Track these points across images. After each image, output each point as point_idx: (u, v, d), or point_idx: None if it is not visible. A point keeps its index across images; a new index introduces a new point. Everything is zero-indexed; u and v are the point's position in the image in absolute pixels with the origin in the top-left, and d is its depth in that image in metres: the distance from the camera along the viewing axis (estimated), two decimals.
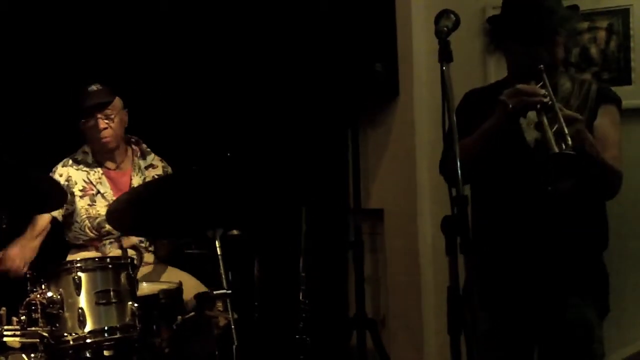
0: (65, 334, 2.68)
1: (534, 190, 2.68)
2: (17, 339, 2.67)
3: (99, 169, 3.54)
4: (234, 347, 2.78)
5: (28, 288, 2.75)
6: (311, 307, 3.55)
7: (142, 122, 3.70)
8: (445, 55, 2.16)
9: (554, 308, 2.70)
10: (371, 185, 4.04)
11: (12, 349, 2.68)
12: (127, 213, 2.93)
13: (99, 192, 3.50)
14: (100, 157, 3.57)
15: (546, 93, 2.53)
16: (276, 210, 3.50)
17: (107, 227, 3.41)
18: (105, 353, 2.75)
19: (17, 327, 2.70)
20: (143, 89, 3.83)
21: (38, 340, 2.66)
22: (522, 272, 2.72)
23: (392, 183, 3.97)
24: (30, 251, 3.37)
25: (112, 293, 2.77)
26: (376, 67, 3.77)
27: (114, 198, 3.38)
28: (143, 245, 3.49)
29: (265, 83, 3.89)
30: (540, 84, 2.57)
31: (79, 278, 2.74)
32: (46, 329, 2.67)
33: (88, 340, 2.70)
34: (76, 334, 2.69)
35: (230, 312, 2.85)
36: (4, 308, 2.75)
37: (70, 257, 3.41)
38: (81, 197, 3.48)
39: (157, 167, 3.64)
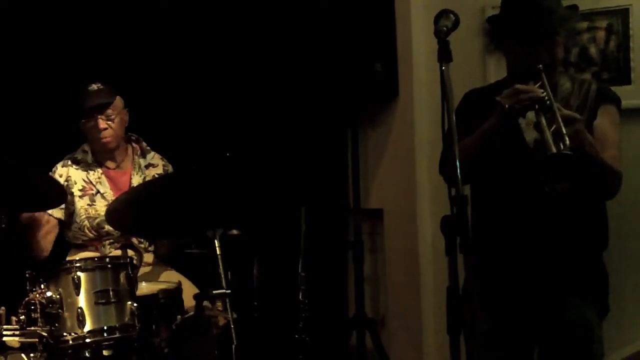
0: (65, 334, 2.68)
1: (533, 191, 2.68)
2: (17, 338, 2.67)
3: (99, 168, 3.53)
4: (234, 346, 2.78)
5: (27, 288, 2.75)
6: (311, 307, 3.55)
7: (142, 122, 3.69)
8: (444, 55, 2.16)
9: (554, 308, 2.70)
10: (371, 185, 4.04)
11: (12, 348, 2.68)
12: (127, 213, 2.93)
13: (98, 191, 3.49)
14: (100, 156, 3.56)
15: (544, 93, 2.53)
16: (276, 210, 3.50)
17: (107, 227, 3.40)
18: (105, 353, 2.75)
19: (17, 326, 2.70)
20: (143, 89, 3.82)
21: (37, 340, 2.66)
22: (521, 272, 2.72)
23: (391, 183, 3.97)
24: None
25: (111, 293, 2.77)
26: (376, 67, 3.77)
27: (114, 198, 3.37)
28: (142, 245, 3.49)
29: (265, 83, 3.89)
30: (539, 83, 2.57)
31: (78, 278, 2.74)
32: (45, 328, 2.67)
33: (87, 340, 2.69)
34: (75, 333, 2.69)
35: (229, 312, 2.85)
36: (3, 308, 2.74)
37: (69, 257, 3.40)
38: (80, 197, 3.47)
39: (158, 165, 3.63)
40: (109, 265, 2.83)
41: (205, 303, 2.92)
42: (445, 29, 2.21)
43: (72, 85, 3.57)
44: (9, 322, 2.73)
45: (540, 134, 2.51)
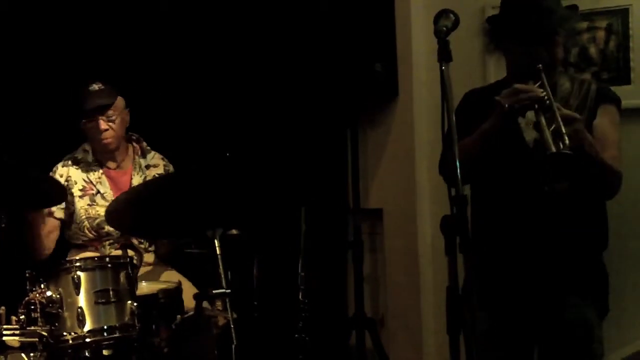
0: (65, 333, 2.68)
1: (533, 190, 2.69)
2: (17, 338, 2.67)
3: (99, 168, 3.53)
4: (233, 346, 2.78)
5: (27, 287, 2.75)
6: (310, 306, 3.55)
7: (142, 121, 3.69)
8: (444, 55, 2.16)
9: (554, 308, 2.70)
10: (370, 185, 4.04)
11: (12, 348, 2.67)
12: (126, 213, 2.93)
13: (98, 192, 3.48)
14: (100, 156, 3.55)
15: (544, 92, 2.53)
16: (275, 210, 3.50)
17: (107, 228, 3.41)
18: (105, 352, 2.75)
19: (17, 326, 2.70)
20: (143, 88, 3.82)
21: (37, 339, 2.65)
22: (521, 271, 2.72)
23: (391, 183, 3.97)
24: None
25: (111, 292, 2.77)
26: (376, 67, 3.77)
27: (114, 198, 3.37)
28: (143, 246, 3.49)
29: (265, 83, 3.89)
30: (539, 83, 2.57)
31: (78, 277, 2.73)
32: (45, 328, 2.67)
33: (87, 340, 2.69)
34: (75, 333, 2.68)
35: (229, 312, 2.85)
36: (3, 307, 2.74)
37: (69, 258, 3.40)
38: (81, 197, 3.47)
39: (158, 165, 3.63)
40: (109, 265, 2.83)
41: (205, 303, 2.92)
42: (445, 28, 2.20)
43: (72, 84, 3.57)
44: (9, 322, 2.73)
45: (539, 133, 2.51)
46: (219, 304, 2.96)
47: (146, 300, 2.89)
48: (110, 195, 3.47)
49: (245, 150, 3.46)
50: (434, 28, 2.23)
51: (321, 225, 3.81)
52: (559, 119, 2.47)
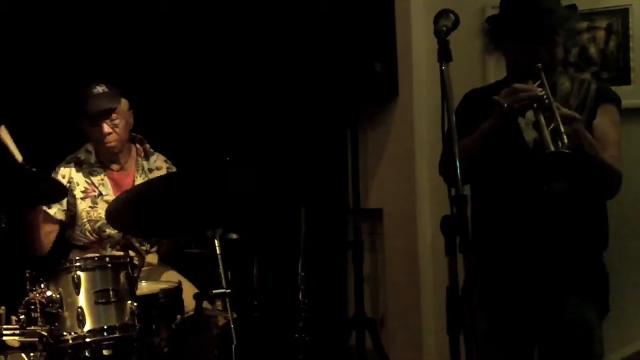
0: (65, 333, 2.68)
1: (533, 190, 2.69)
2: (17, 338, 2.67)
3: (102, 170, 3.51)
4: (233, 346, 2.78)
5: (27, 287, 2.75)
6: (310, 306, 3.55)
7: (144, 122, 3.68)
8: (444, 55, 2.16)
9: (554, 308, 2.70)
10: (370, 185, 4.04)
11: (12, 348, 2.68)
12: (127, 213, 2.93)
13: (100, 194, 3.47)
14: (103, 158, 3.53)
15: (543, 91, 2.53)
16: (276, 210, 3.50)
17: (108, 230, 3.41)
18: (105, 352, 2.75)
19: (17, 326, 2.70)
20: (143, 89, 3.81)
21: (37, 339, 2.66)
22: (521, 271, 2.72)
23: (391, 183, 3.97)
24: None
25: (111, 292, 2.77)
26: (375, 67, 3.77)
27: None
28: (144, 248, 3.48)
29: (265, 83, 3.89)
30: (538, 82, 2.57)
31: (78, 277, 2.73)
32: (45, 328, 2.67)
33: (87, 340, 2.69)
34: (75, 333, 2.69)
35: (229, 312, 2.85)
36: (3, 307, 2.74)
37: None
38: (82, 198, 3.46)
39: (162, 168, 3.61)
40: (109, 265, 2.83)
41: (205, 303, 2.92)
42: (445, 28, 2.20)
43: (73, 84, 3.56)
44: (9, 322, 2.73)
45: (538, 132, 2.51)
46: (219, 304, 2.96)
47: (146, 300, 2.89)
48: (112, 197, 3.44)
49: (245, 151, 3.46)
50: (434, 28, 2.23)
51: (321, 225, 3.81)
52: (558, 118, 2.47)
